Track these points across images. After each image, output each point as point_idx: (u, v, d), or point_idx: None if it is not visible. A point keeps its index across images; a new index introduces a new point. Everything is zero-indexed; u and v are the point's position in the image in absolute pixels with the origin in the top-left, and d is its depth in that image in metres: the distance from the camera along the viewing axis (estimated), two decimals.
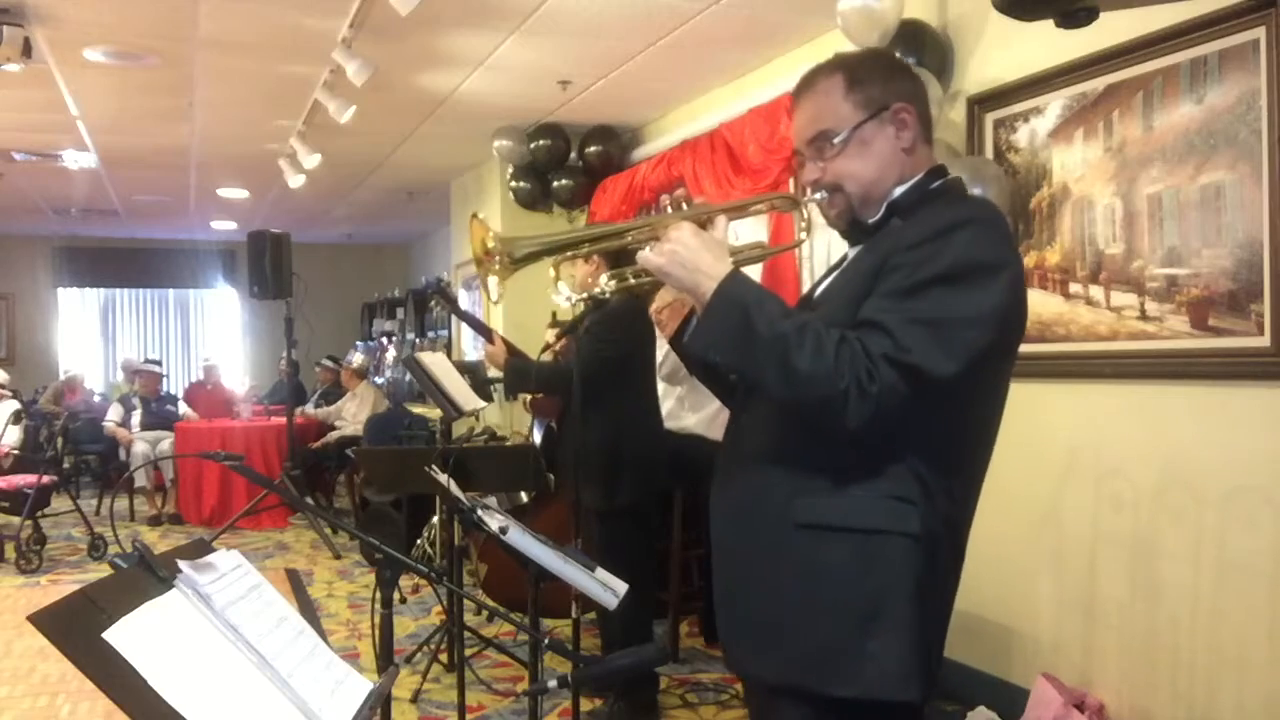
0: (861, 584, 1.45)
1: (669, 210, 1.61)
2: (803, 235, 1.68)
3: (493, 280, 1.60)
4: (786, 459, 1.53)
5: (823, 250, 4.58)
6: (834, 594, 1.47)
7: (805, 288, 4.62)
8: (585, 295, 1.69)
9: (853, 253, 1.64)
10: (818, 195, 1.61)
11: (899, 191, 1.59)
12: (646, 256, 1.52)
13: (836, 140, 1.57)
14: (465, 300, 8.37)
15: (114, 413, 8.65)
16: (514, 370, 3.67)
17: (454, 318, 8.02)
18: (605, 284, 1.68)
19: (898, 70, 1.65)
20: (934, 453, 1.47)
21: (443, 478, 2.82)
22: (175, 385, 11.53)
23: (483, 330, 3.69)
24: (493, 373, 7.29)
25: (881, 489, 1.46)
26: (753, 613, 1.57)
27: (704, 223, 1.55)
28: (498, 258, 1.59)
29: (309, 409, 8.88)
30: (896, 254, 1.46)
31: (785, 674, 1.53)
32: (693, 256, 1.47)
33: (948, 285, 1.41)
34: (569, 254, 1.62)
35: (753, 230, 4.56)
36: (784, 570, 1.51)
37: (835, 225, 1.65)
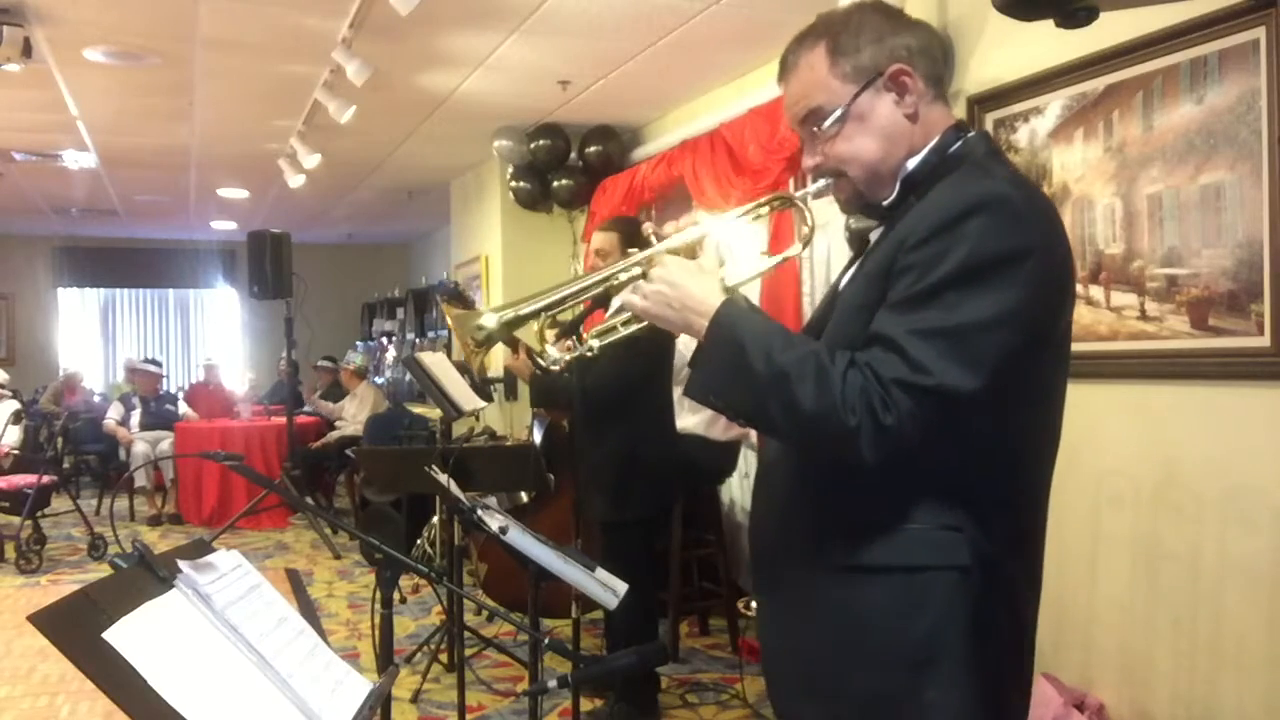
0: (911, 628, 1.30)
1: (653, 239, 1.49)
2: (796, 248, 1.59)
3: (475, 359, 1.53)
4: (814, 493, 1.39)
5: (823, 250, 4.58)
6: (882, 640, 1.32)
7: (806, 288, 4.63)
8: (574, 355, 1.59)
9: (875, 235, 1.47)
10: (820, 182, 1.47)
11: (912, 164, 1.41)
12: (630, 301, 1.41)
13: (828, 123, 1.41)
14: None
15: (114, 411, 8.66)
16: (542, 386, 3.63)
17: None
18: (591, 341, 1.53)
19: (891, 24, 1.43)
20: (983, 468, 1.32)
21: (443, 478, 2.82)
22: (175, 385, 11.52)
23: (510, 342, 3.65)
24: (493, 373, 7.32)
25: (922, 518, 1.31)
26: (798, 663, 1.43)
27: (691, 248, 1.44)
28: (464, 341, 1.49)
29: (316, 399, 8.88)
30: (905, 252, 1.30)
31: None
32: (679, 295, 1.36)
33: (962, 287, 1.24)
34: (543, 316, 1.49)
35: (752, 232, 4.56)
36: (825, 617, 1.37)
37: (846, 210, 1.51)
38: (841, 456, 1.26)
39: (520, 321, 1.49)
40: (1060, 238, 1.34)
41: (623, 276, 1.46)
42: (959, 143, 1.42)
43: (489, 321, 1.48)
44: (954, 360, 1.23)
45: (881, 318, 1.30)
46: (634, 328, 1.49)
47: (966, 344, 1.24)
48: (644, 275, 1.42)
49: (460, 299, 4.05)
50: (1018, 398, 1.32)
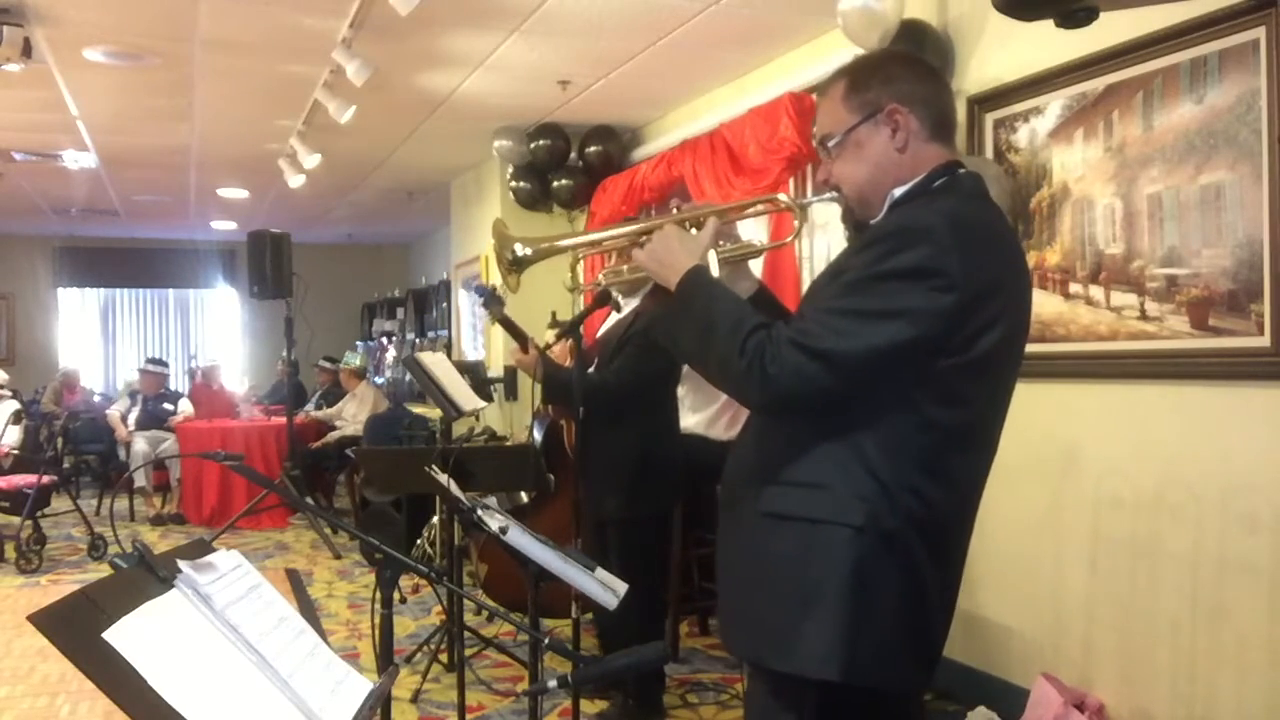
0: (804, 569, 1.55)
1: (675, 210, 1.80)
2: (787, 240, 2.03)
3: (511, 280, 1.87)
4: (762, 452, 1.66)
5: (823, 250, 4.58)
6: (783, 577, 1.58)
7: (805, 286, 4.64)
8: (587, 287, 1.96)
9: None
10: (826, 195, 1.72)
11: (899, 192, 1.63)
12: (635, 254, 1.75)
13: (831, 144, 1.67)
14: (465, 301, 8.38)
15: (119, 404, 8.69)
16: (553, 383, 3.58)
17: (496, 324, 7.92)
18: (603, 278, 1.90)
19: (903, 72, 1.67)
20: (895, 453, 1.53)
21: (443, 478, 2.82)
22: (176, 385, 11.50)
23: (519, 337, 3.61)
24: (493, 372, 7.32)
25: (834, 482, 1.54)
26: (730, 593, 1.73)
27: (698, 223, 1.75)
28: (500, 256, 1.84)
29: (310, 409, 8.89)
30: (850, 257, 1.58)
31: (747, 649, 1.68)
32: (668, 255, 1.68)
33: (870, 284, 1.50)
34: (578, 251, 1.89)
35: (754, 230, 4.57)
36: (750, 554, 1.64)
37: (844, 221, 1.83)
38: (739, 396, 1.58)
39: (550, 252, 1.84)
40: (991, 268, 1.53)
41: (644, 238, 1.78)
42: (945, 177, 1.62)
43: (520, 249, 1.84)
44: (845, 331, 1.49)
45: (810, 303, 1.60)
46: (638, 274, 1.82)
47: (859, 321, 1.49)
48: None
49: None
50: (941, 396, 1.53)
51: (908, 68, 1.69)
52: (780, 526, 1.58)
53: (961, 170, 1.64)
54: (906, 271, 1.48)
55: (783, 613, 1.57)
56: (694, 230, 1.76)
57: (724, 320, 1.56)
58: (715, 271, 1.71)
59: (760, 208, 1.88)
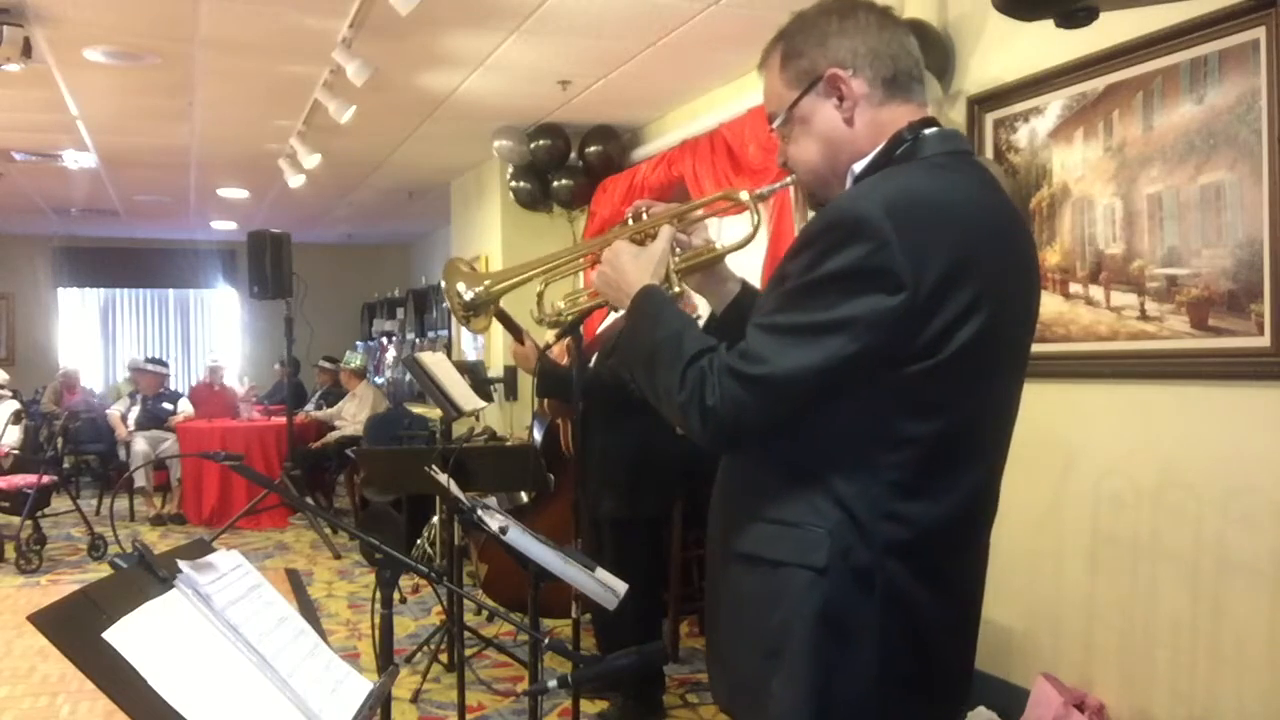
0: (770, 618, 1.36)
1: (630, 222, 1.64)
2: (747, 240, 1.59)
3: (476, 324, 1.73)
4: (729, 484, 1.50)
5: None
6: (751, 626, 1.40)
7: None
8: (549, 318, 1.74)
9: None
10: (785, 180, 1.57)
11: (859, 167, 1.43)
12: (591, 278, 1.62)
13: (775, 125, 1.49)
14: None
15: (120, 404, 8.72)
16: (548, 377, 3.54)
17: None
18: (562, 306, 1.73)
19: (840, 25, 1.42)
20: (865, 478, 1.33)
21: (443, 478, 2.82)
22: (177, 385, 11.51)
23: (514, 330, 3.59)
24: (493, 372, 7.31)
25: (798, 518, 1.35)
26: (712, 636, 1.59)
27: (651, 234, 1.58)
28: (452, 303, 1.70)
29: (310, 409, 8.89)
30: (784, 261, 1.37)
31: (729, 700, 1.52)
32: (617, 276, 1.53)
33: (806, 293, 1.31)
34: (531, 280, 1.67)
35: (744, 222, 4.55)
36: (724, 596, 1.47)
37: (810, 206, 1.58)
38: (689, 435, 1.38)
39: (503, 291, 1.69)
40: (951, 250, 1.29)
41: (607, 252, 1.60)
42: (909, 142, 1.40)
43: (466, 292, 1.69)
44: (788, 351, 1.30)
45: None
46: (597, 300, 1.65)
47: (799, 337, 1.30)
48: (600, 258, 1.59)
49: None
50: (898, 413, 1.32)
51: (845, 19, 1.43)
52: (748, 568, 1.41)
53: (929, 130, 1.40)
54: (841, 274, 1.27)
55: (753, 666, 1.39)
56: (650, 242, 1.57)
57: (666, 348, 1.38)
58: (675, 287, 1.55)
59: (707, 208, 1.65)
